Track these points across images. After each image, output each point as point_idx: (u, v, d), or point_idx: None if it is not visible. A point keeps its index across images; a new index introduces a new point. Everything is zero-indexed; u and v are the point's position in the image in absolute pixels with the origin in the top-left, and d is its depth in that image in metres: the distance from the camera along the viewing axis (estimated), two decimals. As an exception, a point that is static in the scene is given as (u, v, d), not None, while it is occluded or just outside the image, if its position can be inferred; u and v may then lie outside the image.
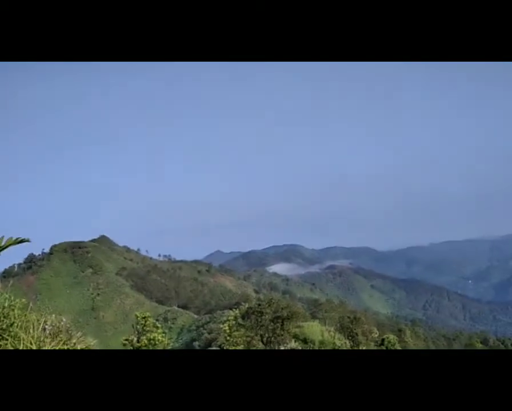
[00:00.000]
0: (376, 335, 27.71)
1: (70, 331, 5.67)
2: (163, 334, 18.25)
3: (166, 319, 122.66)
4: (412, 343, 38.82)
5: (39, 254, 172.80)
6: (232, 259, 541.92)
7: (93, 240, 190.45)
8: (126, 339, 17.65)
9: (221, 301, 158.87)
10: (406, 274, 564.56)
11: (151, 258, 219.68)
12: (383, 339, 30.27)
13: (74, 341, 5.47)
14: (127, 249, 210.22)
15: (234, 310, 24.08)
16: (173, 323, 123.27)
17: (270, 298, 21.51)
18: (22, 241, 5.35)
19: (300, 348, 20.74)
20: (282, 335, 19.45)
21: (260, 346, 19.57)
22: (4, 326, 5.25)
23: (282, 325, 19.36)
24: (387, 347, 29.05)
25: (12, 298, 5.67)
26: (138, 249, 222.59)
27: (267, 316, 19.18)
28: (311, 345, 22.12)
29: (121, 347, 18.38)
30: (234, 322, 21.58)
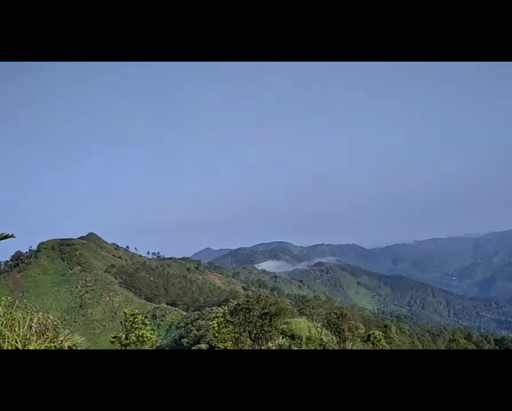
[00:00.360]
0: (362, 331, 27.99)
1: (57, 329, 5.65)
2: (152, 331, 18.20)
3: (154, 317, 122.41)
4: (398, 339, 39.31)
5: (26, 252, 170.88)
6: (221, 256, 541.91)
7: (81, 237, 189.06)
8: (114, 337, 17.56)
9: (210, 298, 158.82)
10: (391, 271, 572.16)
11: (139, 255, 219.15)
12: (369, 335, 30.64)
13: (61, 338, 5.44)
14: (116, 247, 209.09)
15: (223, 307, 24.09)
16: (162, 320, 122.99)
17: (258, 295, 21.57)
18: (6, 237, 5.29)
19: (288, 344, 20.87)
20: (270, 331, 19.54)
21: (248, 342, 19.65)
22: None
23: (269, 321, 19.44)
24: (373, 343, 29.42)
25: (-3, 295, 5.61)
26: (127, 247, 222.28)
27: (255, 313, 19.24)
28: (298, 341, 22.27)
29: (109, 345, 18.30)
30: (222, 319, 21.61)
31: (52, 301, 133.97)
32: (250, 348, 19.07)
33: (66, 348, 5.45)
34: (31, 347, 5.20)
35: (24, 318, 5.52)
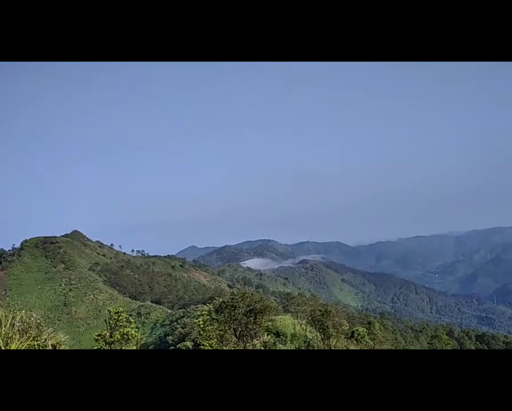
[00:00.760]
0: (346, 328, 28.35)
1: (40, 327, 5.60)
2: (136, 329, 18.11)
3: (139, 314, 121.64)
4: (381, 335, 39.84)
5: (9, 250, 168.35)
6: (206, 254, 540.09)
7: (65, 235, 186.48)
8: (99, 335, 17.42)
9: (195, 296, 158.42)
10: (375, 268, 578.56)
11: (124, 253, 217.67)
12: (353, 332, 30.98)
13: (45, 337, 5.41)
14: (100, 244, 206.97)
15: (208, 304, 24.10)
16: (146, 318, 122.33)
17: (243, 292, 21.62)
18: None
19: (272, 341, 21.00)
20: (255, 329, 19.63)
21: (234, 339, 19.71)
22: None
23: (254, 319, 19.52)
24: (356, 340, 29.77)
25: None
26: (111, 244, 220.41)
27: (240, 310, 19.29)
28: (283, 338, 22.45)
29: (93, 343, 18.14)
30: (207, 316, 21.61)
31: (35, 299, 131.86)
32: (235, 345, 19.14)
33: (50, 346, 5.42)
34: (13, 346, 5.16)
35: (6, 316, 5.47)
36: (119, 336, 17.07)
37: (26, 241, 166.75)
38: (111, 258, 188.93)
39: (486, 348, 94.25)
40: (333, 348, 22.00)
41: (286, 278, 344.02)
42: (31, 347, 5.31)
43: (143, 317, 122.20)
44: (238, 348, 18.65)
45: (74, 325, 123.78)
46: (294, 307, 45.79)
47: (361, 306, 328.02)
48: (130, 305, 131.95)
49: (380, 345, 33.63)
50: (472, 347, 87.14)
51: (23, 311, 5.71)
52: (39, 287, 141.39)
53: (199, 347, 20.62)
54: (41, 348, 5.38)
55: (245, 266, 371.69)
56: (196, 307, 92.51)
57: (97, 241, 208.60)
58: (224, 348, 18.84)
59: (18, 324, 5.52)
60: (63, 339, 5.88)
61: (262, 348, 19.30)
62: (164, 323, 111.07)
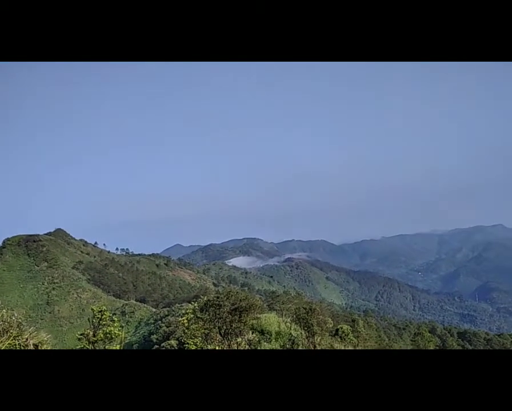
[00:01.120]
0: (330, 326, 28.59)
1: (21, 327, 5.52)
2: (120, 328, 17.95)
3: (123, 313, 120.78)
4: (365, 333, 40.33)
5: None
6: (192, 252, 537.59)
7: (48, 233, 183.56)
8: (82, 334, 17.22)
9: (180, 294, 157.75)
10: (359, 267, 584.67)
11: (108, 251, 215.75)
12: (337, 330, 31.29)
13: (26, 336, 5.33)
14: (84, 243, 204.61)
15: (193, 303, 24.02)
16: (131, 317, 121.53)
17: (228, 290, 21.61)
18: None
19: (257, 339, 21.07)
20: (240, 327, 19.65)
21: (218, 338, 19.70)
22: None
23: (239, 317, 19.54)
24: (341, 337, 30.07)
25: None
26: (95, 243, 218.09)
27: (225, 308, 19.29)
28: (268, 336, 22.54)
29: (76, 342, 17.94)
30: (192, 315, 21.55)
31: (17, 298, 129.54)
32: (220, 343, 19.14)
33: (31, 346, 5.35)
34: (-6, 345, 5.07)
35: (-14, 315, 5.37)
36: (102, 335, 16.91)
37: (7, 239, 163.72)
38: (95, 257, 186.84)
39: (468, 345, 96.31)
40: (317, 345, 22.18)
41: (271, 277, 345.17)
42: (11, 347, 5.24)
43: (127, 315, 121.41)
44: (222, 346, 18.66)
45: (56, 324, 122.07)
46: (279, 305, 46.04)
47: (345, 304, 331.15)
48: (114, 304, 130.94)
49: (364, 343, 34.07)
50: (454, 344, 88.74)
51: (4, 310, 5.62)
52: (21, 286, 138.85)
53: (184, 345, 20.58)
54: (22, 347, 5.31)
55: (230, 264, 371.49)
56: (181, 306, 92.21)
57: (81, 240, 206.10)
58: (209, 346, 18.83)
59: (-2, 323, 5.43)
60: (45, 339, 5.80)
61: (247, 346, 19.36)
62: (149, 322, 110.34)
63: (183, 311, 24.09)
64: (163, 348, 59.51)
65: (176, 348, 51.15)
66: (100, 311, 17.49)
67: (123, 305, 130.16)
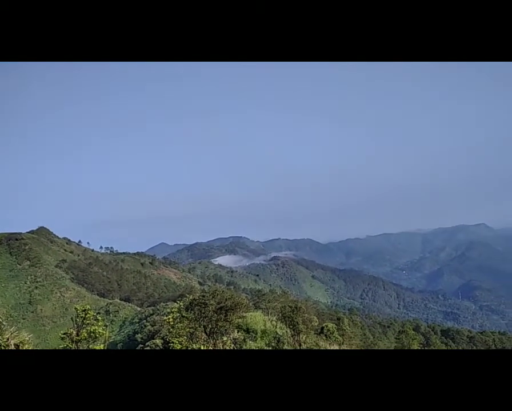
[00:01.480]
0: (316, 324, 28.76)
1: (2, 326, 5.41)
2: (104, 327, 17.77)
3: (107, 312, 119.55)
4: (350, 331, 40.71)
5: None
6: (177, 251, 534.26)
7: (31, 232, 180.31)
8: (65, 333, 16.98)
9: (165, 293, 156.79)
10: (345, 265, 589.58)
11: (92, 250, 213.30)
12: (322, 328, 31.51)
13: (7, 336, 5.24)
14: (68, 241, 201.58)
15: (178, 302, 23.90)
16: (115, 316, 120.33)
17: (214, 289, 21.58)
18: None
19: (243, 338, 21.10)
20: (225, 326, 19.65)
21: (204, 337, 19.66)
22: None
23: (225, 316, 19.54)
24: (326, 335, 30.30)
25: None
26: (79, 241, 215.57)
27: (210, 307, 19.26)
28: (253, 335, 22.59)
29: (59, 341, 17.69)
30: (177, 314, 21.45)
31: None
32: (205, 342, 19.09)
33: (12, 345, 5.26)
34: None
35: (-35, 315, 5.27)
36: (86, 334, 16.72)
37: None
38: (78, 255, 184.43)
39: (451, 342, 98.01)
40: (303, 343, 22.32)
41: (257, 275, 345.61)
42: (-8, 347, 5.14)
43: (111, 314, 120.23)
44: (207, 345, 18.62)
45: (39, 323, 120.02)
46: (265, 304, 46.17)
47: (331, 302, 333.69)
48: (98, 303, 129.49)
49: (349, 341, 34.37)
50: (438, 342, 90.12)
51: (-16, 310, 5.52)
52: (3, 285, 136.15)
53: (169, 344, 20.46)
54: (3, 347, 5.22)
55: (216, 263, 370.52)
56: (166, 305, 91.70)
57: (64, 238, 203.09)
58: (194, 345, 18.77)
59: (-23, 323, 5.32)
60: (27, 338, 5.71)
61: (232, 345, 19.36)
62: (133, 321, 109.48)
63: (168, 310, 23.95)
64: (148, 347, 59.09)
65: (161, 347, 50.85)
66: (84, 310, 17.29)
67: (107, 304, 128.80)
